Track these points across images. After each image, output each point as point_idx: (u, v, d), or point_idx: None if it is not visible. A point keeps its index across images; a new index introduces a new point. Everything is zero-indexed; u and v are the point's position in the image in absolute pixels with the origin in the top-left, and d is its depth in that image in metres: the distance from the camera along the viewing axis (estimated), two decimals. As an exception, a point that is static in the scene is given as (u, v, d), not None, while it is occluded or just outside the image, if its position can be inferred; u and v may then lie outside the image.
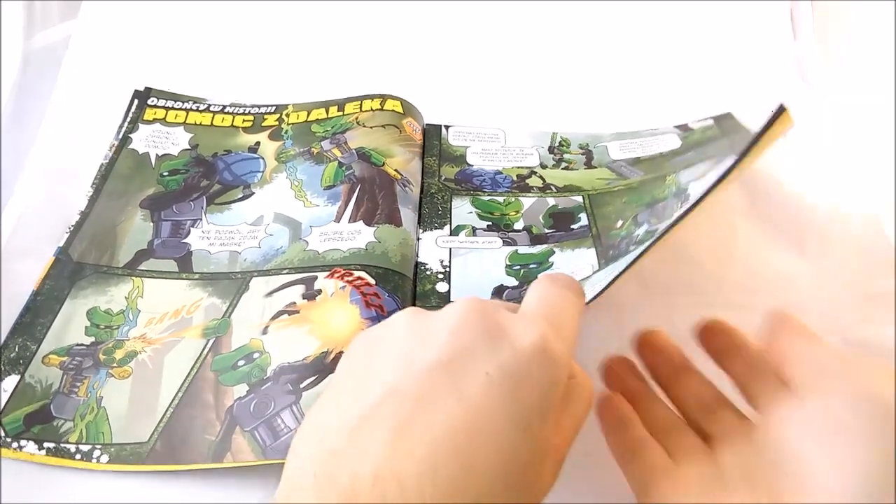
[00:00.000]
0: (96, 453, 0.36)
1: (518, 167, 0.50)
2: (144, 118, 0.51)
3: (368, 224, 0.43)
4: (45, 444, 0.36)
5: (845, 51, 0.50)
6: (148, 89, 0.53)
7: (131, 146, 0.49)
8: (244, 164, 0.49)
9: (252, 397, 0.36)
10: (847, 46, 0.51)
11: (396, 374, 0.24)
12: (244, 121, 0.52)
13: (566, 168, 0.50)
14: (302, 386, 0.36)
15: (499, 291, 0.41)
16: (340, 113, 0.52)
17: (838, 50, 0.46)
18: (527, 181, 0.49)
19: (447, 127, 0.53)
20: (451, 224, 0.46)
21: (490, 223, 0.46)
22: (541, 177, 0.49)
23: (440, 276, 0.42)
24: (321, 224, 0.44)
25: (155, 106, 0.52)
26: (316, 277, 0.41)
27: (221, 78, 0.55)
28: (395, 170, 0.47)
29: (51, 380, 0.38)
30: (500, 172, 0.49)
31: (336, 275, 0.41)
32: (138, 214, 0.46)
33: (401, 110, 0.51)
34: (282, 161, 0.49)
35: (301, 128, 0.51)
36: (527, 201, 0.47)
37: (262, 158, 0.49)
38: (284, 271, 0.42)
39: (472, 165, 0.50)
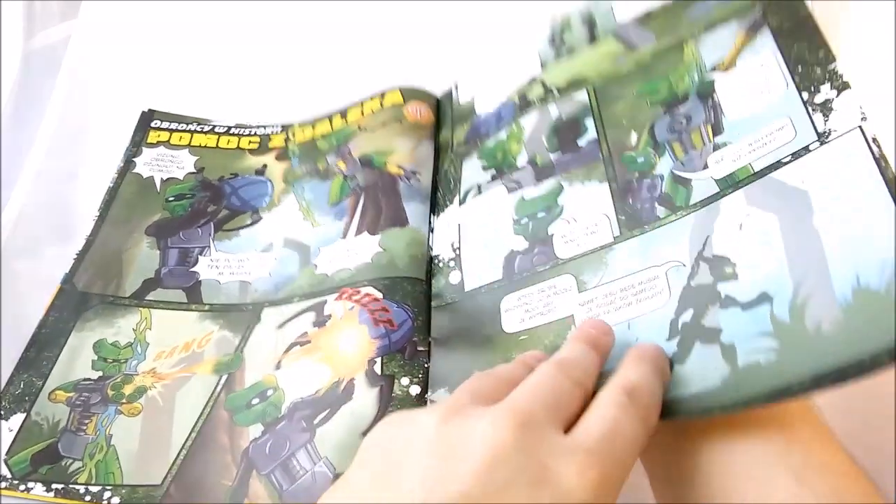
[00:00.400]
0: (107, 495, 0.34)
1: (519, 86, 0.45)
2: (148, 141, 0.50)
3: (373, 233, 0.42)
4: (54, 486, 0.35)
5: (845, 51, 0.49)
6: (151, 111, 0.52)
7: (135, 170, 0.48)
8: (252, 189, 0.48)
9: (267, 438, 0.35)
10: (847, 46, 0.50)
11: (419, 498, 0.21)
12: (250, 142, 0.51)
13: (568, 55, 0.44)
14: (315, 422, 0.35)
15: (510, 262, 0.38)
16: (344, 122, 0.50)
17: (838, 50, 0.45)
18: (527, 96, 0.44)
19: (457, 87, 0.50)
20: (460, 193, 0.43)
21: (494, 171, 0.42)
22: (542, 82, 0.44)
23: (451, 263, 0.40)
24: (329, 243, 0.43)
25: (158, 128, 0.50)
26: (325, 302, 0.40)
27: (223, 87, 0.54)
28: (398, 165, 0.45)
29: (58, 416, 0.37)
30: (504, 104, 0.45)
31: (344, 295, 0.39)
32: (144, 242, 0.44)
33: (401, 100, 0.49)
34: (289, 182, 0.48)
35: (307, 146, 0.50)
36: (528, 123, 0.43)
37: (270, 181, 0.48)
38: (295, 299, 0.41)
39: (479, 116, 0.46)
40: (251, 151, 0.50)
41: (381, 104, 0.50)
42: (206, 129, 0.51)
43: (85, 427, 0.37)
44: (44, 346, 0.40)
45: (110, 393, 0.38)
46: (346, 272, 0.41)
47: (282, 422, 0.35)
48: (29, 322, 0.41)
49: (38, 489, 0.35)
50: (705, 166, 0.34)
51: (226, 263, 0.44)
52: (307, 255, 0.43)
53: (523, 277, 0.37)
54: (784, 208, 0.29)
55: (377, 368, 0.36)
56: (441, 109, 0.50)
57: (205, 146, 0.50)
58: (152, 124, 0.51)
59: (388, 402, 0.34)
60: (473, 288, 0.38)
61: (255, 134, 0.51)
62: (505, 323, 0.36)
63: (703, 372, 0.27)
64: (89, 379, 0.39)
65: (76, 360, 0.39)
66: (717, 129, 0.34)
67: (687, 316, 0.30)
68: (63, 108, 0.50)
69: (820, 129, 0.30)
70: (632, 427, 0.24)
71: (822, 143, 0.30)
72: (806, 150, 0.30)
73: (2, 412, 0.37)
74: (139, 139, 0.50)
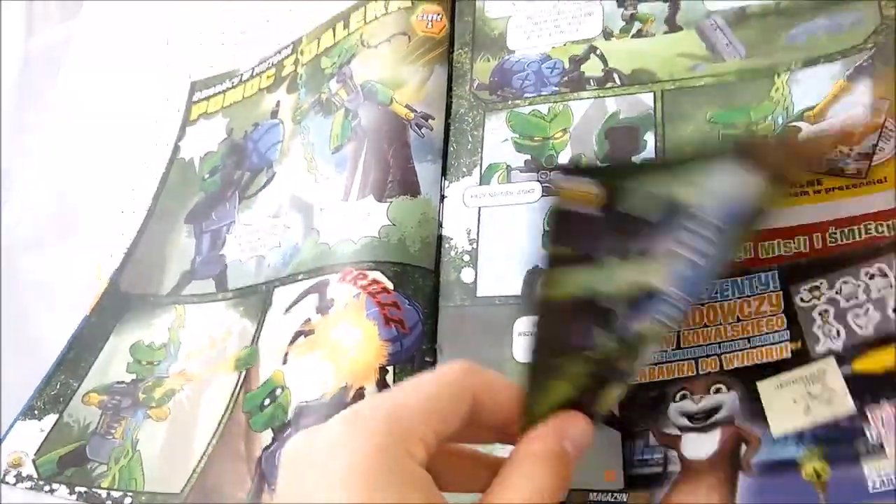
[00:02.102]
0: (127, 501, 0.34)
1: (573, 42, 0.38)
2: (191, 120, 0.47)
3: (379, 199, 0.36)
4: (77, 489, 0.35)
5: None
6: (192, 85, 0.48)
7: (180, 155, 0.46)
8: (267, 137, 0.43)
9: (276, 446, 0.32)
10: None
11: None
12: (268, 77, 0.46)
13: (639, 34, 0.37)
14: None
15: (532, 280, 0.34)
16: (346, 31, 0.43)
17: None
18: (582, 68, 0.37)
19: None
20: (481, 164, 0.36)
21: (529, 157, 0.36)
22: (601, 56, 0.37)
23: (465, 257, 0.35)
24: (331, 204, 0.37)
25: (199, 101, 0.47)
26: (328, 283, 0.35)
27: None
28: (407, 105, 0.38)
29: (88, 419, 0.37)
30: (549, 57, 0.38)
31: (348, 277, 0.34)
32: (183, 232, 0.42)
33: (409, 2, 0.40)
34: (297, 121, 0.42)
35: (313, 68, 0.43)
36: (578, 109, 0.36)
37: (282, 123, 0.43)
38: (300, 277, 0.36)
39: (513, 52, 0.39)
40: (268, 89, 0.46)
41: (387, 7, 0.41)
42: (236, 81, 0.47)
43: (114, 431, 0.36)
44: (84, 347, 0.40)
45: (141, 397, 0.37)
46: (348, 246, 0.35)
47: (288, 429, 0.33)
48: (29, 321, 0.40)
49: (62, 491, 0.35)
50: None
51: (247, 237, 0.40)
52: (310, 216, 0.38)
53: None
54: None
55: (389, 380, 0.32)
56: (456, 18, 0.40)
57: (234, 103, 0.46)
58: (194, 98, 0.48)
59: None
60: (487, 295, 0.35)
61: (272, 65, 0.46)
62: (517, 349, 0.33)
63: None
64: (123, 382, 0.38)
65: (112, 362, 0.39)
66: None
67: None
68: (63, 108, 0.49)
69: None
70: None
71: None
72: None
73: (36, 412, 0.38)
74: (184, 122, 0.47)
